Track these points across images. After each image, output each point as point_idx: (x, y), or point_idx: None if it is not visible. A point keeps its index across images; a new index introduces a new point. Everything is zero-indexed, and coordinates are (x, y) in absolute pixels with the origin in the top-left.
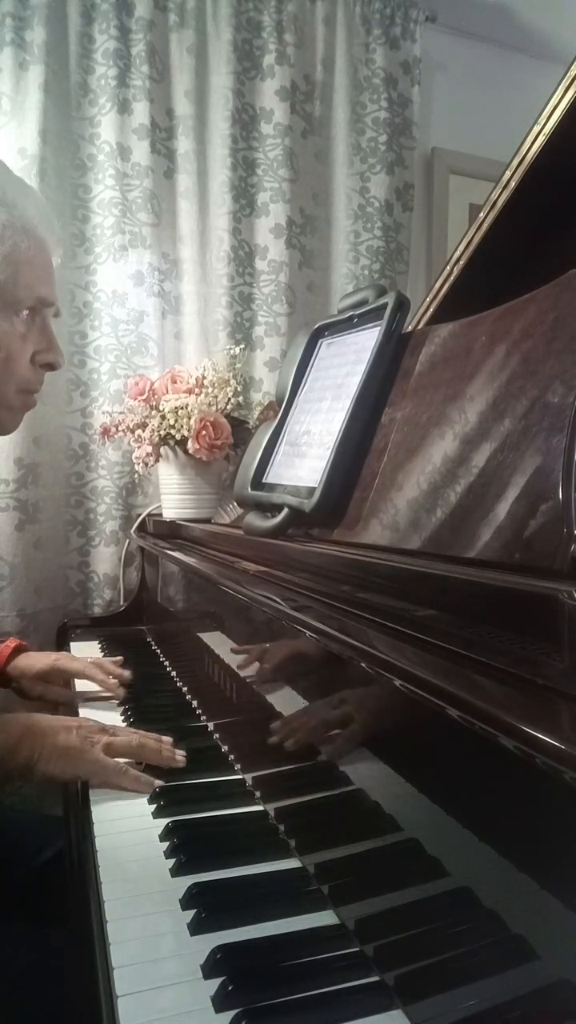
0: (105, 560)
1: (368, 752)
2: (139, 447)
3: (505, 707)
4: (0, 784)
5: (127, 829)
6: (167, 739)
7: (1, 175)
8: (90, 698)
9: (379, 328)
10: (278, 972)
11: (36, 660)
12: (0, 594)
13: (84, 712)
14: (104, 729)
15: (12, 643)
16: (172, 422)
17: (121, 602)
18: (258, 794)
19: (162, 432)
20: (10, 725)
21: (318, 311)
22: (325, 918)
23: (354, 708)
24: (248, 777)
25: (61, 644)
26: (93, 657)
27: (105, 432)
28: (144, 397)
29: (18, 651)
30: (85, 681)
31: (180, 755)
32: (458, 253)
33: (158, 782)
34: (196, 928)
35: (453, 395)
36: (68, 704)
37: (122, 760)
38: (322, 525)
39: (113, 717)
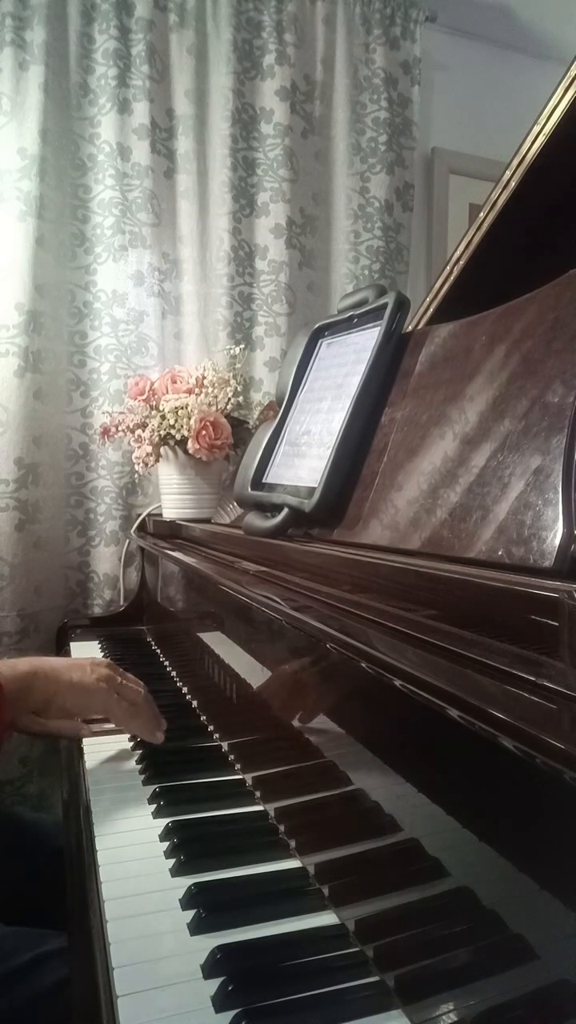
0: (105, 560)
1: (368, 752)
2: (139, 447)
3: (505, 707)
4: (15, 721)
5: (127, 829)
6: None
7: None
8: (97, 732)
9: (379, 328)
10: (278, 972)
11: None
12: (0, 594)
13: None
14: (115, 669)
15: None
16: (172, 422)
17: (121, 602)
18: (258, 794)
19: (162, 432)
20: (19, 665)
21: (318, 311)
22: (325, 918)
23: (354, 708)
24: (248, 777)
25: (61, 644)
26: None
27: (105, 432)
28: (144, 397)
29: None
30: None
31: (161, 734)
32: (458, 253)
33: (160, 735)
34: (196, 928)
35: (453, 395)
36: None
37: None
38: (322, 525)
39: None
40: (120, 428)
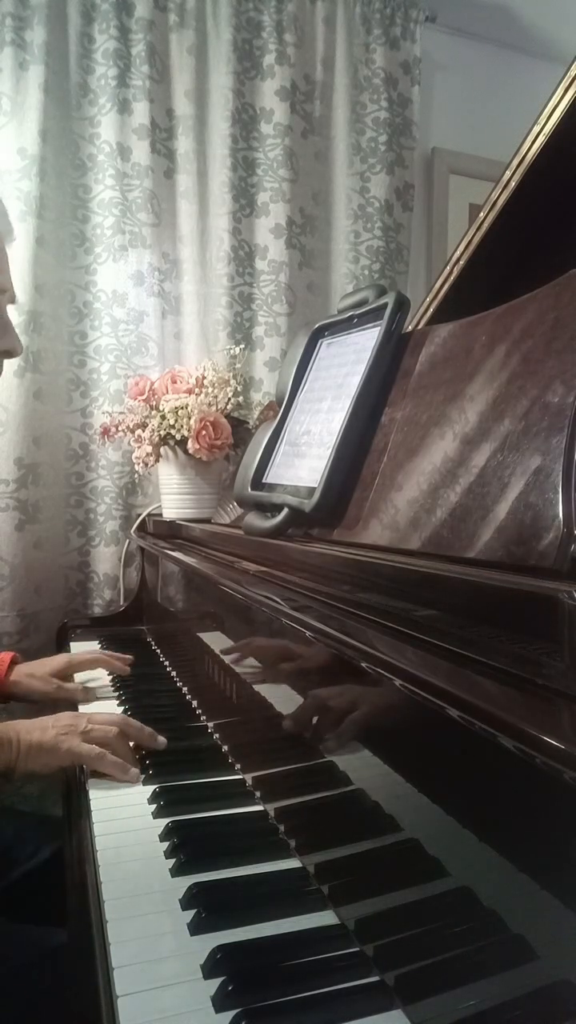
0: (105, 560)
1: (368, 752)
2: (139, 447)
3: (505, 707)
4: None
5: (127, 829)
6: (147, 729)
7: None
8: (100, 696)
9: (379, 328)
10: (278, 972)
11: (40, 664)
12: (0, 594)
13: (89, 708)
14: (80, 717)
15: (7, 656)
16: (172, 422)
17: (121, 602)
18: (258, 794)
19: (162, 432)
20: None
21: (318, 311)
22: (325, 918)
23: (354, 708)
24: (248, 777)
25: (61, 644)
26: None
27: (105, 432)
28: (144, 397)
29: (14, 663)
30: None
31: (161, 740)
32: (458, 253)
33: (134, 772)
34: (196, 928)
35: (453, 395)
36: (81, 701)
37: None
38: (322, 525)
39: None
40: (120, 428)
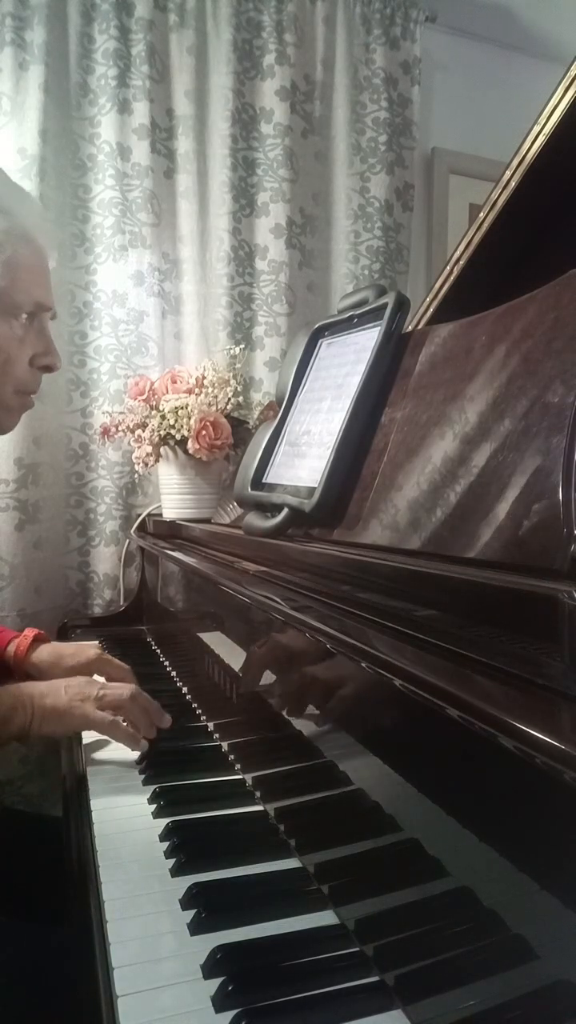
0: (105, 560)
1: (368, 752)
2: (139, 447)
3: (505, 707)
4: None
5: (127, 829)
6: (156, 704)
7: (1, 182)
8: None
9: (379, 328)
10: (278, 972)
11: (65, 651)
12: (0, 594)
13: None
14: (93, 683)
15: (31, 633)
16: (172, 422)
17: (121, 602)
18: (258, 794)
19: (162, 432)
20: (2, 696)
21: (318, 311)
22: (325, 918)
23: (354, 708)
24: (248, 777)
25: None
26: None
27: (105, 432)
28: (144, 397)
29: (38, 641)
30: None
31: (167, 717)
32: (458, 253)
33: (144, 743)
34: (196, 928)
35: (453, 395)
36: None
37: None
38: (322, 525)
39: None
40: (120, 428)
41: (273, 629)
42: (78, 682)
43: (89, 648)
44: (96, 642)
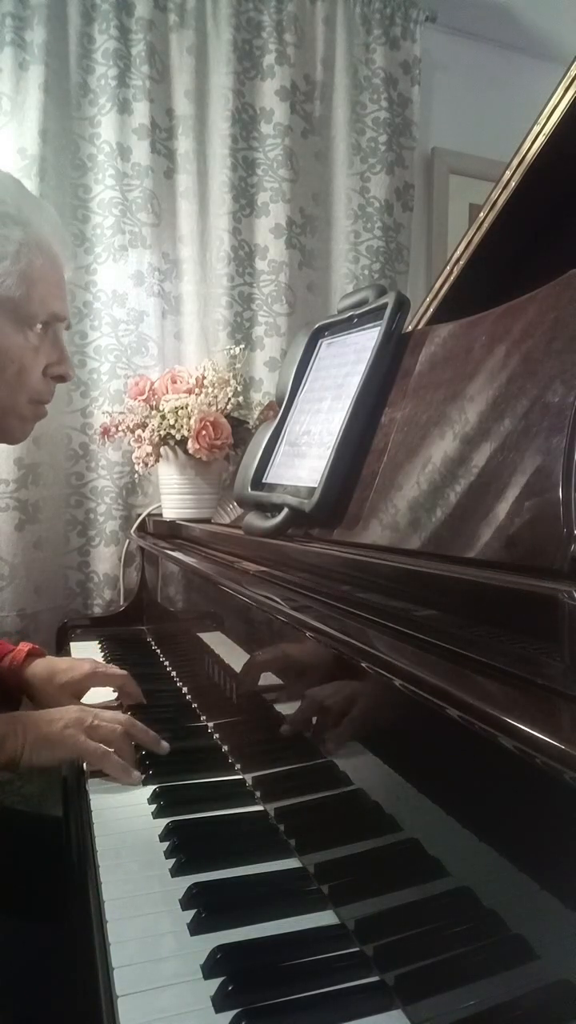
0: (105, 560)
1: (368, 752)
2: (139, 447)
3: (505, 707)
4: None
5: (127, 829)
6: (152, 733)
7: (17, 194)
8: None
9: (379, 328)
10: (278, 972)
11: (59, 667)
12: (0, 594)
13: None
14: (87, 712)
15: (25, 647)
16: (172, 422)
17: (121, 602)
18: (258, 794)
19: (162, 432)
20: None
21: (318, 311)
22: (325, 918)
23: (354, 708)
24: (248, 777)
25: (61, 644)
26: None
27: (105, 432)
28: (144, 397)
29: (32, 656)
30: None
31: (164, 744)
32: (458, 253)
33: (137, 775)
34: (196, 928)
35: (453, 395)
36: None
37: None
38: (322, 525)
39: None
40: (120, 428)
41: (273, 629)
42: (72, 711)
43: (83, 664)
44: (90, 659)
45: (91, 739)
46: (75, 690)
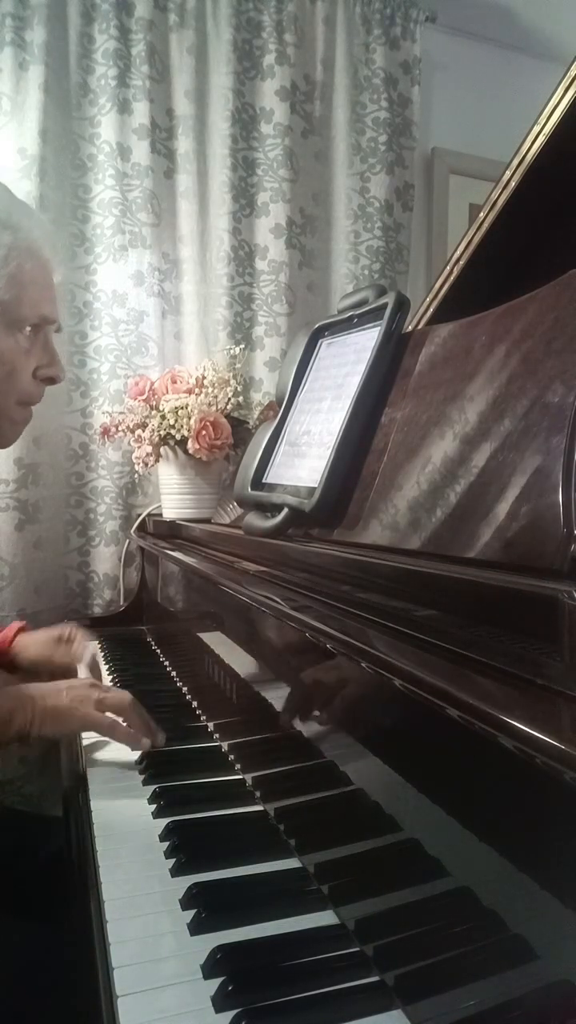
0: (105, 560)
1: (368, 752)
2: (139, 447)
3: (505, 707)
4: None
5: (127, 829)
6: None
7: (6, 198)
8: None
9: (379, 328)
10: (278, 972)
11: (42, 631)
12: (0, 594)
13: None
14: (95, 686)
15: (16, 625)
16: (172, 422)
17: (121, 602)
18: (258, 794)
19: (162, 432)
20: (2, 698)
21: (318, 311)
22: (325, 918)
23: (354, 708)
24: (248, 777)
25: None
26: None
27: (105, 432)
28: (144, 397)
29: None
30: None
31: (147, 741)
32: (458, 253)
33: (147, 741)
34: (196, 928)
35: (453, 395)
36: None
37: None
38: (322, 525)
39: None
40: (120, 428)
41: (273, 629)
42: (79, 684)
43: (53, 630)
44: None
45: (98, 710)
46: (44, 648)
